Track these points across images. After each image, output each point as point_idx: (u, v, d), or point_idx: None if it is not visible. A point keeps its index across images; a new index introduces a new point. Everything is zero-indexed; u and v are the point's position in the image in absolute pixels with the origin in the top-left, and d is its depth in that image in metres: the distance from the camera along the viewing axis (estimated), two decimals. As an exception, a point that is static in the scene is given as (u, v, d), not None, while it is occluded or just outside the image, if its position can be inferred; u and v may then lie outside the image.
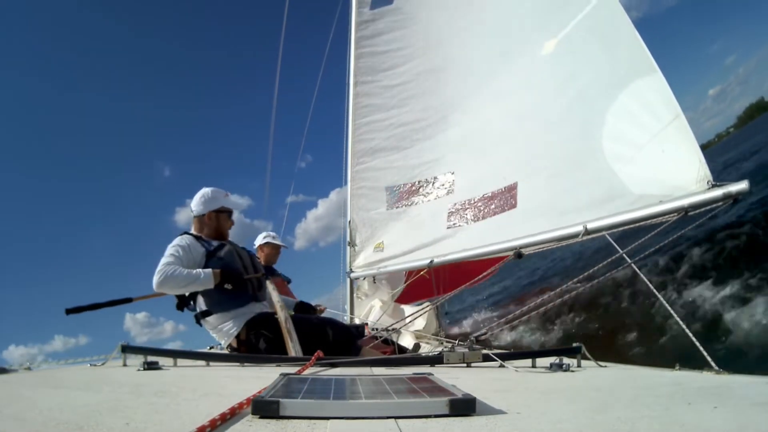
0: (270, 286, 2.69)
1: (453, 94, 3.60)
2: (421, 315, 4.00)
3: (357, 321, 3.97)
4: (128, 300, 2.54)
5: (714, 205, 1.92)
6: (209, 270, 2.39)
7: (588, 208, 2.37)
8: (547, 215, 2.57)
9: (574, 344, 1.86)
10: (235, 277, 2.45)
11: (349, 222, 4.06)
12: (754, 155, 13.86)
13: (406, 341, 3.55)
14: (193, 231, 2.64)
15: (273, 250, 3.84)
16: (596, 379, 1.48)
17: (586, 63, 2.65)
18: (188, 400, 1.07)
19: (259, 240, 3.92)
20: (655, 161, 2.18)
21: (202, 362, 2.06)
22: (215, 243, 2.58)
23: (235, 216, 2.80)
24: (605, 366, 1.81)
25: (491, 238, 2.83)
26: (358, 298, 4.63)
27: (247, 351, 2.41)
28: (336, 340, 2.47)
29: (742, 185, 1.85)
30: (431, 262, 3.18)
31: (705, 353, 1.63)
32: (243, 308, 2.47)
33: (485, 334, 2.26)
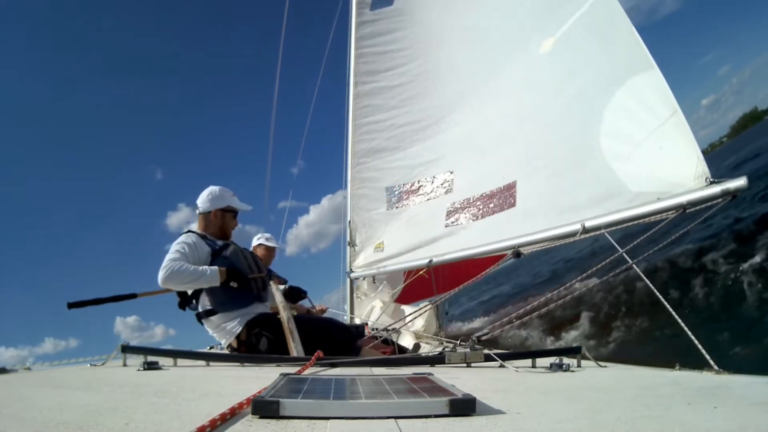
0: (274, 287, 2.70)
1: (452, 94, 3.60)
2: (420, 315, 4.00)
3: (357, 321, 3.98)
4: (133, 296, 2.49)
5: (712, 202, 1.91)
6: (215, 267, 2.38)
7: (586, 206, 2.36)
8: (546, 214, 2.57)
9: (574, 344, 1.85)
10: (240, 277, 2.44)
11: (349, 222, 4.06)
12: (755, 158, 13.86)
13: (406, 341, 3.55)
14: (197, 229, 2.61)
15: (267, 251, 3.84)
16: (596, 379, 1.48)
17: (584, 61, 2.65)
18: (188, 400, 1.07)
19: (254, 242, 3.92)
20: (652, 158, 2.17)
21: (202, 362, 2.05)
22: (220, 242, 2.57)
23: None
24: (605, 366, 1.81)
25: (490, 237, 2.83)
26: (358, 297, 4.64)
27: (247, 351, 2.41)
28: (336, 340, 2.48)
29: (741, 182, 1.84)
30: (430, 261, 3.19)
31: (705, 353, 1.62)
32: (247, 308, 2.47)
33: (487, 334, 2.26)
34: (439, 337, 3.47)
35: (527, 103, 3.00)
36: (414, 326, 4.08)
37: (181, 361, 2.02)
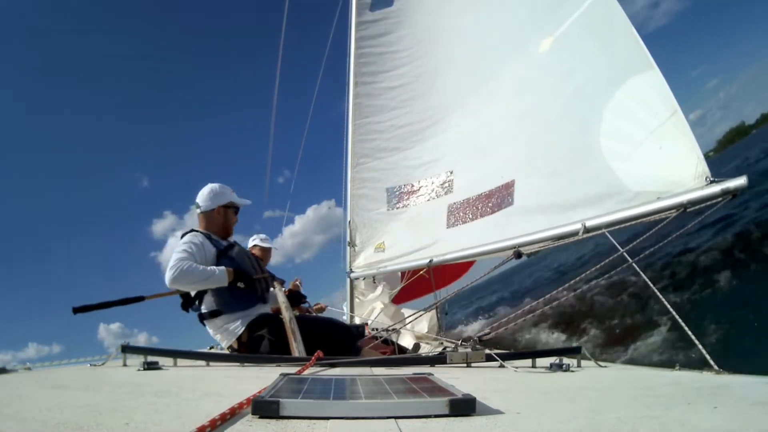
0: (277, 287, 2.69)
1: (452, 94, 3.61)
2: (421, 316, 4.00)
3: (357, 321, 3.98)
4: (140, 298, 2.47)
5: (713, 201, 1.90)
6: (223, 268, 2.36)
7: (586, 206, 2.36)
8: (546, 213, 2.57)
9: (574, 344, 1.85)
10: (247, 277, 2.43)
11: (349, 222, 4.06)
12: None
13: (406, 341, 3.55)
14: (200, 228, 2.59)
15: (263, 252, 3.84)
16: (596, 379, 1.48)
17: (584, 60, 2.65)
18: (188, 400, 1.07)
19: (249, 243, 3.93)
20: (652, 158, 2.17)
21: (202, 362, 2.05)
22: (224, 242, 2.56)
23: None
24: (605, 366, 1.81)
25: (490, 236, 2.83)
26: (356, 297, 4.64)
27: (247, 351, 2.41)
28: (336, 340, 2.48)
29: (741, 181, 1.83)
30: (430, 261, 3.19)
31: (705, 353, 1.62)
32: (251, 309, 2.46)
33: (488, 333, 2.26)
34: (438, 338, 3.47)
35: (526, 102, 3.00)
36: (417, 328, 4.08)
37: (181, 361, 2.02)
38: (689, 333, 1.77)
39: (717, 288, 4.66)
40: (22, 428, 0.77)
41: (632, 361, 3.72)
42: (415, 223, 3.62)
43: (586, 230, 2.25)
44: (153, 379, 1.49)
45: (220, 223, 2.62)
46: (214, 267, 2.36)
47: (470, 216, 3.15)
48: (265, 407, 0.82)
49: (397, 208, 3.80)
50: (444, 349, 2.58)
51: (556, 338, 5.17)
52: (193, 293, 2.43)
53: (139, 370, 1.71)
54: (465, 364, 1.85)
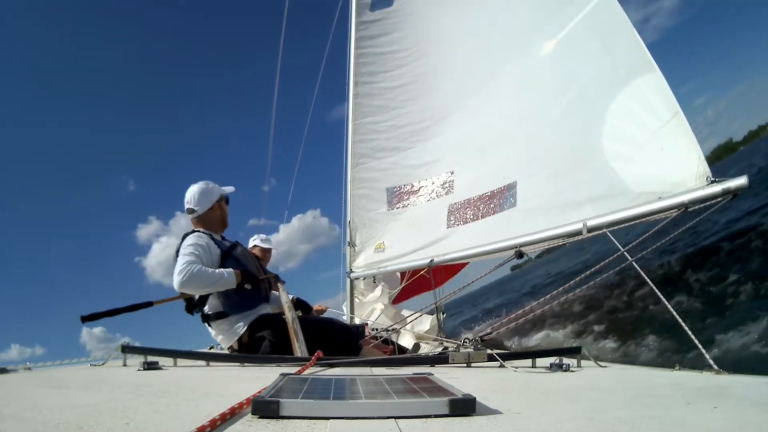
0: (281, 287, 2.69)
1: (453, 94, 3.60)
2: (422, 316, 4.00)
3: (357, 321, 3.98)
4: (149, 304, 2.42)
5: (714, 201, 1.92)
6: (231, 270, 2.35)
7: (588, 206, 2.37)
8: (547, 214, 2.57)
9: (574, 344, 1.86)
10: (253, 278, 2.43)
11: (349, 222, 4.06)
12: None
13: (406, 341, 3.55)
14: (200, 228, 2.56)
15: (263, 252, 3.84)
16: (596, 379, 1.48)
17: (586, 63, 2.66)
18: (188, 400, 1.07)
19: (250, 243, 3.92)
20: (654, 159, 2.18)
21: (202, 362, 2.05)
22: (227, 243, 2.56)
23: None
24: (605, 366, 1.81)
25: (491, 237, 2.83)
26: (356, 297, 4.64)
27: (247, 352, 2.40)
28: (336, 340, 2.47)
29: (742, 180, 1.85)
30: (431, 261, 3.19)
31: (705, 353, 1.62)
32: (255, 309, 2.46)
33: (490, 333, 2.26)
34: (438, 338, 3.47)
35: (528, 104, 3.00)
36: (417, 328, 4.08)
37: (181, 361, 2.02)
38: (689, 333, 1.77)
39: (717, 288, 4.66)
40: (22, 428, 0.77)
41: (632, 361, 3.73)
42: (415, 223, 3.62)
43: (588, 230, 2.26)
44: (153, 379, 1.49)
45: (218, 219, 2.61)
46: (222, 270, 2.34)
47: (471, 216, 3.15)
48: (265, 407, 0.82)
49: (397, 208, 3.79)
50: (444, 349, 2.59)
51: (556, 338, 5.17)
52: (197, 297, 2.41)
53: (139, 370, 1.71)
54: (465, 364, 1.85)
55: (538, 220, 2.58)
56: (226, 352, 2.49)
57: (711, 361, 1.55)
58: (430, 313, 4.34)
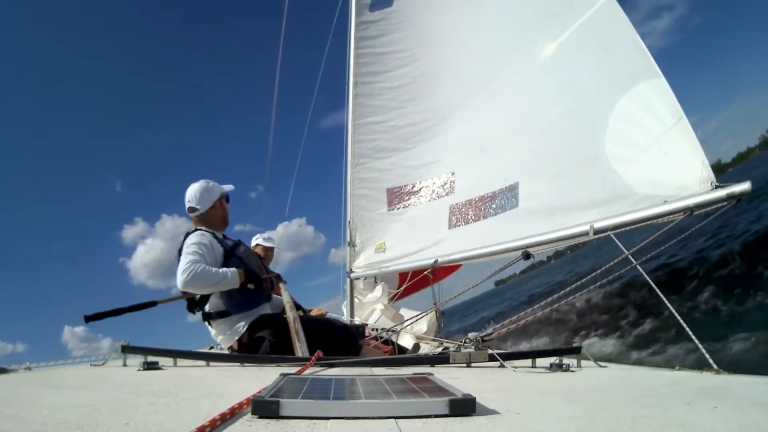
0: (283, 286, 2.69)
1: (454, 96, 3.60)
2: (422, 317, 4.00)
3: (357, 321, 3.97)
4: (153, 303, 2.40)
5: (718, 205, 1.95)
6: (234, 269, 2.35)
7: (592, 208, 2.38)
8: (550, 216, 2.57)
9: (574, 344, 1.86)
10: (256, 278, 2.42)
11: (349, 222, 4.06)
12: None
13: (406, 341, 3.55)
14: (202, 227, 2.55)
15: (265, 251, 3.83)
16: (596, 379, 1.48)
17: (587, 66, 2.66)
18: (188, 400, 1.07)
19: (252, 242, 3.92)
20: (658, 163, 2.20)
21: (202, 362, 2.05)
22: (230, 242, 2.55)
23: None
24: (605, 366, 1.81)
25: (494, 237, 2.83)
26: (356, 297, 4.63)
27: (247, 352, 2.40)
28: (337, 340, 2.47)
29: (745, 186, 1.88)
30: (435, 261, 3.18)
31: (705, 353, 1.62)
32: (256, 309, 2.46)
33: (491, 334, 2.26)
34: (438, 338, 3.46)
35: (528, 105, 3.00)
36: (417, 328, 4.08)
37: (181, 361, 2.02)
38: (689, 333, 1.77)
39: (717, 288, 4.66)
40: (22, 428, 0.77)
41: (632, 362, 3.73)
42: (416, 224, 3.62)
43: (595, 231, 2.27)
44: (153, 379, 1.49)
45: (220, 216, 2.61)
46: (226, 269, 2.34)
47: (473, 217, 3.14)
48: (265, 407, 0.82)
49: (398, 209, 3.79)
50: (444, 349, 2.58)
51: (556, 339, 5.17)
52: (198, 296, 2.41)
53: (139, 370, 1.71)
54: (465, 364, 1.85)
55: (541, 221, 2.58)
56: (226, 352, 2.48)
57: (711, 361, 1.55)
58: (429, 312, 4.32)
